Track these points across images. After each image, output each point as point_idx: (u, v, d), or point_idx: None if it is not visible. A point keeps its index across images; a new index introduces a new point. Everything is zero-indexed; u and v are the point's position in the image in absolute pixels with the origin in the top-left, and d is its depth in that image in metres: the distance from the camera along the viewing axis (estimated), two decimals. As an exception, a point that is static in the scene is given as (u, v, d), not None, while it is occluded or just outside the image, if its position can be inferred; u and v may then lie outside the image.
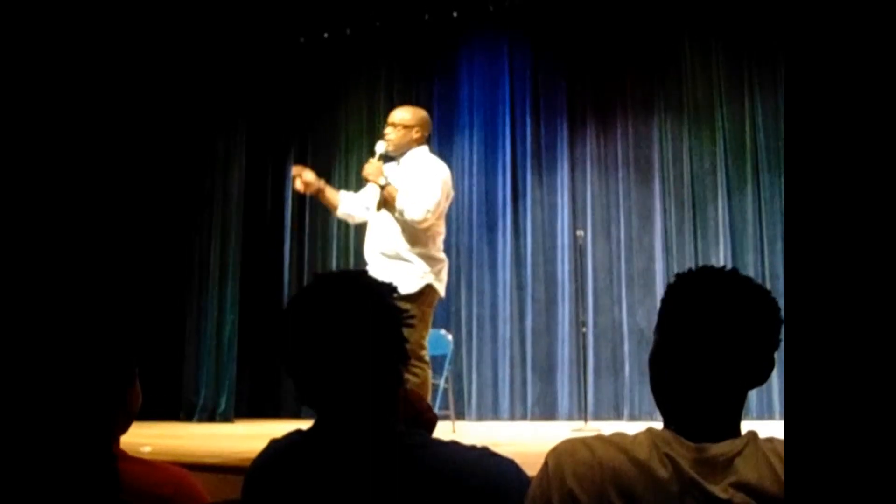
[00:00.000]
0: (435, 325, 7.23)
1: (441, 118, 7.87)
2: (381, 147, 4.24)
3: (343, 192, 4.54)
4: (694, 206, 7.11)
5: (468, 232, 7.65)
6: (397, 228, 4.15)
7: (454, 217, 7.67)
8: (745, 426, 1.33)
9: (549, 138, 7.61)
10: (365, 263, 4.28)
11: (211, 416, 7.27)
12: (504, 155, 7.64)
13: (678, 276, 1.39)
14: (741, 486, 1.21)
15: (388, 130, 4.26)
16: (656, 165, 7.29)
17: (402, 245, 4.14)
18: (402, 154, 4.25)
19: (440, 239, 4.26)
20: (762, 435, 1.31)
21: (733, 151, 7.11)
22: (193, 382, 7.40)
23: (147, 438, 4.58)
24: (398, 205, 4.09)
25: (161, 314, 7.53)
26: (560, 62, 7.62)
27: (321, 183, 4.39)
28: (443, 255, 4.26)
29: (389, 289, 1.45)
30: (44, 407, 1.26)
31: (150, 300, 7.45)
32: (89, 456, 1.26)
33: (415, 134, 4.24)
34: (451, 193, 4.33)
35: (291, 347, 1.40)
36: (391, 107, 7.85)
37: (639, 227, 7.28)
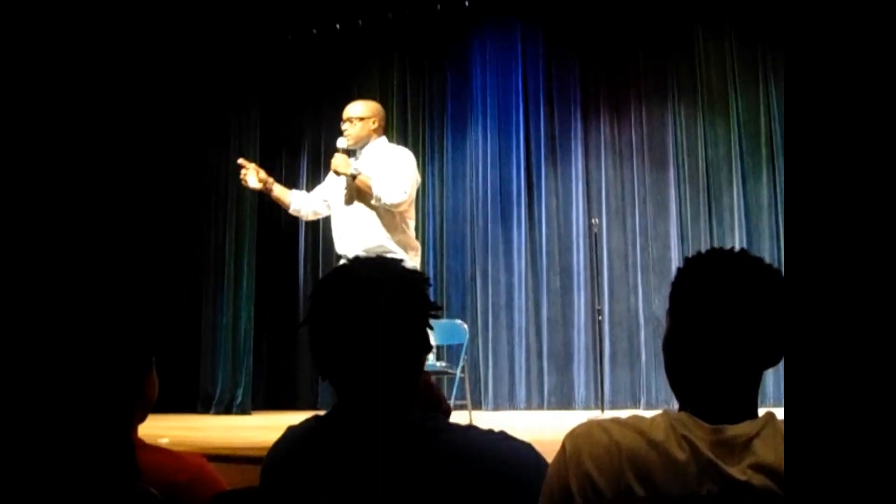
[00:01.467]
0: (451, 315, 7.27)
1: (454, 108, 7.87)
2: (342, 143, 4.30)
3: (294, 191, 4.59)
4: (709, 192, 7.08)
5: (483, 222, 7.64)
6: (374, 218, 4.16)
7: (469, 207, 7.68)
8: (763, 412, 1.32)
9: (562, 127, 7.59)
10: (338, 258, 4.26)
11: (228, 408, 7.31)
12: (518, 144, 7.62)
13: (688, 259, 1.38)
14: (759, 468, 1.21)
15: (346, 126, 4.32)
16: (671, 153, 7.27)
17: (383, 235, 4.16)
18: (363, 147, 4.32)
19: (412, 224, 4.30)
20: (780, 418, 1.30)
21: (748, 138, 7.07)
22: (210, 375, 7.43)
23: (165, 430, 4.62)
24: (375, 191, 4.10)
25: (178, 307, 7.57)
26: (573, 50, 7.59)
27: (270, 181, 4.44)
28: (416, 244, 4.32)
29: (422, 279, 1.46)
30: (63, 394, 1.27)
31: (166, 293, 7.49)
32: (108, 443, 1.27)
33: (372, 125, 4.32)
34: (419, 178, 4.37)
35: (319, 325, 1.40)
36: (404, 97, 7.94)
37: (654, 214, 7.26)
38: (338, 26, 7.93)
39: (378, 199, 4.10)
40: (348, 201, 4.23)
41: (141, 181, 7.43)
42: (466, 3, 7.69)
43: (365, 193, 4.15)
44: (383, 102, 7.99)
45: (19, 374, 1.28)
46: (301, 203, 4.52)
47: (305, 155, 8.28)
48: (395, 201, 4.10)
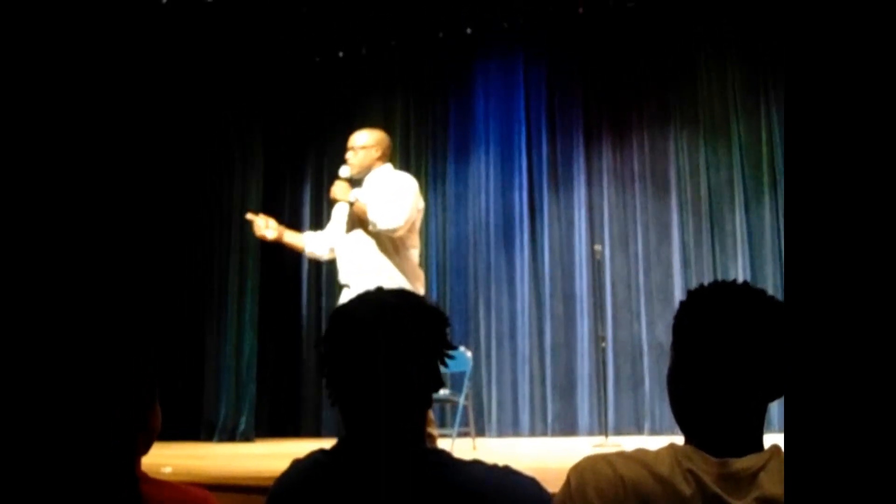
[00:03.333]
0: (454, 342, 7.25)
1: (457, 134, 7.90)
2: (345, 171, 4.26)
3: (307, 233, 4.58)
4: (711, 218, 7.09)
5: (486, 248, 7.65)
6: (372, 245, 4.11)
7: (472, 234, 7.69)
8: (769, 440, 1.32)
9: (565, 153, 7.61)
10: (341, 288, 4.24)
11: (231, 436, 7.29)
12: (520, 171, 7.64)
13: (690, 292, 1.38)
14: (765, 501, 1.20)
15: (349, 155, 4.29)
16: (673, 179, 7.29)
17: (381, 261, 4.10)
18: (366, 175, 4.27)
19: (415, 252, 4.23)
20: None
21: (750, 163, 7.09)
22: (214, 402, 7.42)
23: (168, 459, 4.60)
24: (370, 217, 4.06)
25: (181, 334, 7.56)
26: (575, 77, 7.63)
27: (281, 229, 4.43)
28: (419, 271, 4.25)
29: (442, 318, 1.47)
30: (65, 428, 1.27)
31: (169, 320, 7.49)
32: (111, 478, 1.26)
33: (375, 153, 4.28)
34: (422, 205, 4.31)
35: (336, 353, 1.42)
36: (407, 124, 7.97)
37: (656, 240, 7.26)
38: (341, 54, 7.99)
39: (374, 225, 4.06)
40: (349, 229, 4.21)
41: (145, 208, 7.45)
42: (469, 31, 7.74)
43: (363, 220, 4.13)
44: (386, 129, 8.04)
45: (20, 407, 1.28)
46: (315, 244, 4.48)
47: (309, 182, 8.31)
48: (391, 227, 4.04)
